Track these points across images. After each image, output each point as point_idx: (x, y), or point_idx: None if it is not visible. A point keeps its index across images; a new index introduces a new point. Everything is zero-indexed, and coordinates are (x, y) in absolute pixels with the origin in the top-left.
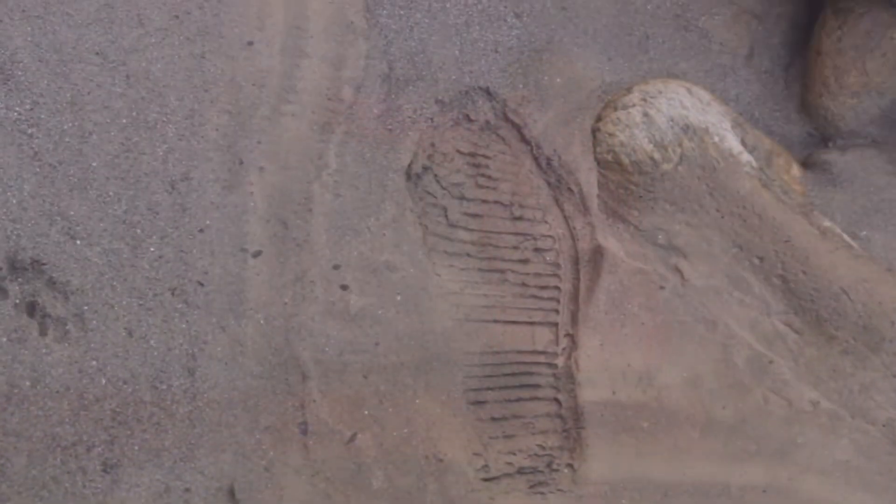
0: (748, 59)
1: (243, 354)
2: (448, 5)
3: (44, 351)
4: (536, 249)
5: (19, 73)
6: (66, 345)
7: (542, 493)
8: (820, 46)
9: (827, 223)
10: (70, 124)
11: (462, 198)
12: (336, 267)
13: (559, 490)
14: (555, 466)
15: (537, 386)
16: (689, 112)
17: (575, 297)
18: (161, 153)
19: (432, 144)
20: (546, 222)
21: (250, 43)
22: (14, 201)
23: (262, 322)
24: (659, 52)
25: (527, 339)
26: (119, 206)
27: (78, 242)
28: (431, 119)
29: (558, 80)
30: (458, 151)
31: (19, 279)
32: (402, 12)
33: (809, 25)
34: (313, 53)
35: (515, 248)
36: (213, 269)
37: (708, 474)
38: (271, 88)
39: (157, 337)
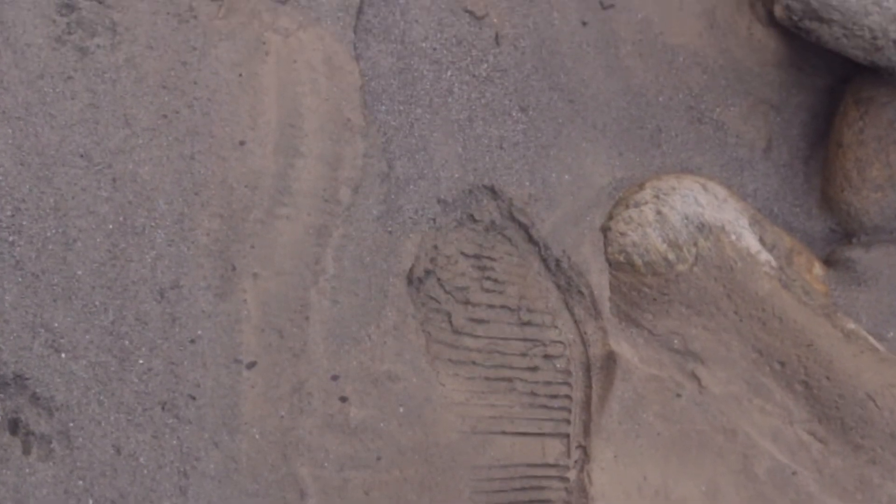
0: (766, 151)
1: (238, 471)
2: (450, 100)
3: (27, 471)
4: (546, 356)
5: (0, 177)
6: (51, 464)
7: None
8: (841, 138)
9: (851, 325)
10: (53, 231)
11: (467, 302)
12: (335, 378)
13: None
14: None
15: (548, 501)
16: (704, 209)
17: (587, 407)
18: (149, 260)
19: (435, 247)
20: (556, 327)
21: (242, 143)
22: None
23: (257, 437)
24: (672, 145)
25: (537, 452)
26: (106, 316)
27: (63, 355)
28: (434, 220)
29: (567, 176)
30: (463, 254)
31: (1, 395)
32: (401, 108)
33: (829, 116)
34: (308, 153)
35: (524, 354)
36: (206, 381)
37: None
38: (265, 190)
39: (146, 454)
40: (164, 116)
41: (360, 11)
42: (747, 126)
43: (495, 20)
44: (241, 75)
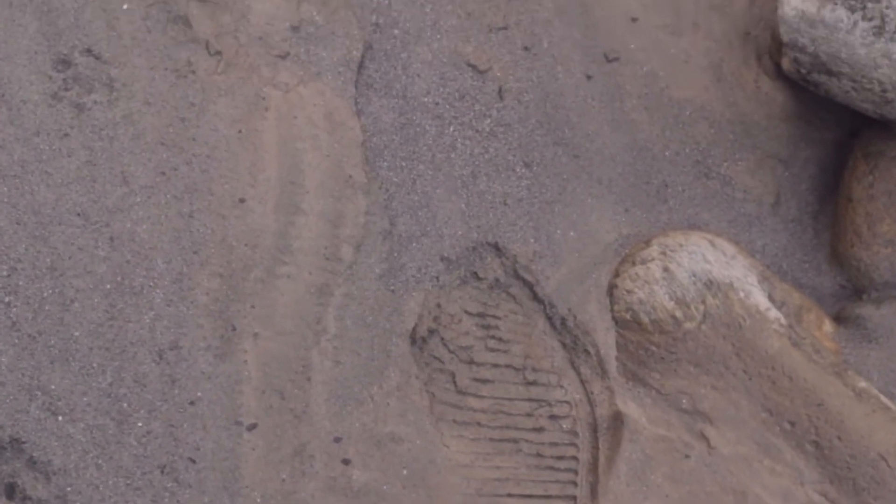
0: (774, 207)
1: None
2: (453, 156)
3: None
4: (552, 416)
5: None
6: None
7: None
8: (850, 193)
9: (863, 384)
10: (50, 291)
11: (471, 362)
12: (337, 440)
13: None
14: None
15: None
16: (712, 266)
17: (594, 468)
18: (148, 320)
19: (438, 305)
20: (562, 387)
21: (242, 200)
22: None
23: (258, 500)
24: (679, 201)
25: None
26: (103, 378)
27: (60, 418)
28: (437, 278)
29: (572, 233)
30: (466, 312)
31: None
32: (403, 164)
33: (839, 170)
34: (309, 210)
35: (529, 415)
36: (206, 444)
37: None
38: (265, 248)
39: None
40: (163, 174)
41: (361, 66)
42: (755, 181)
43: (498, 74)
44: (240, 131)
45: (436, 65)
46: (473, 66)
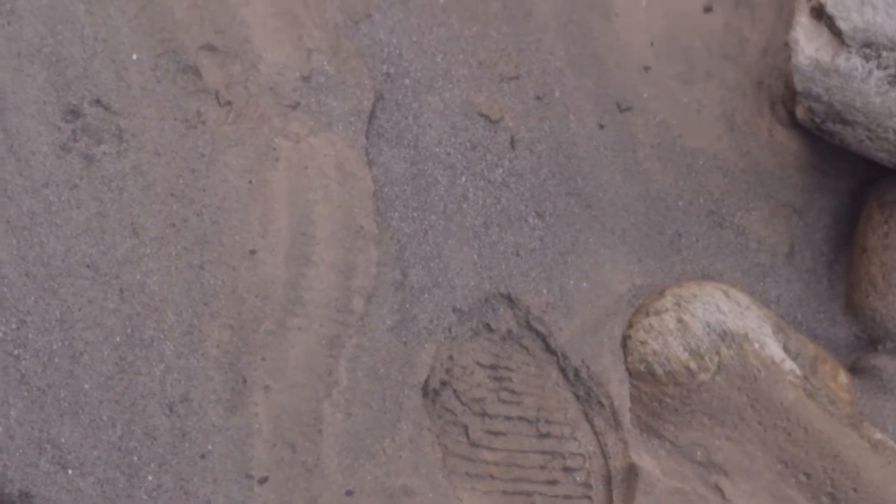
0: (789, 257)
1: None
2: (465, 206)
3: None
4: (565, 469)
5: (4, 289)
6: None
7: None
8: (865, 242)
9: (878, 435)
10: (59, 344)
11: (484, 414)
12: (349, 493)
13: None
14: None
15: None
16: (726, 317)
17: None
18: (158, 373)
19: (450, 357)
20: (575, 439)
21: (252, 252)
22: (0, 429)
23: None
24: (692, 251)
25: None
26: (114, 431)
27: (70, 472)
28: (449, 329)
29: (585, 284)
30: (479, 364)
31: None
32: (415, 214)
33: (853, 219)
34: (320, 261)
35: (542, 467)
36: (217, 497)
37: None
38: (276, 300)
39: None
40: (173, 225)
41: (372, 116)
42: (769, 231)
43: (510, 124)
44: (250, 182)
45: (447, 115)
46: (485, 116)
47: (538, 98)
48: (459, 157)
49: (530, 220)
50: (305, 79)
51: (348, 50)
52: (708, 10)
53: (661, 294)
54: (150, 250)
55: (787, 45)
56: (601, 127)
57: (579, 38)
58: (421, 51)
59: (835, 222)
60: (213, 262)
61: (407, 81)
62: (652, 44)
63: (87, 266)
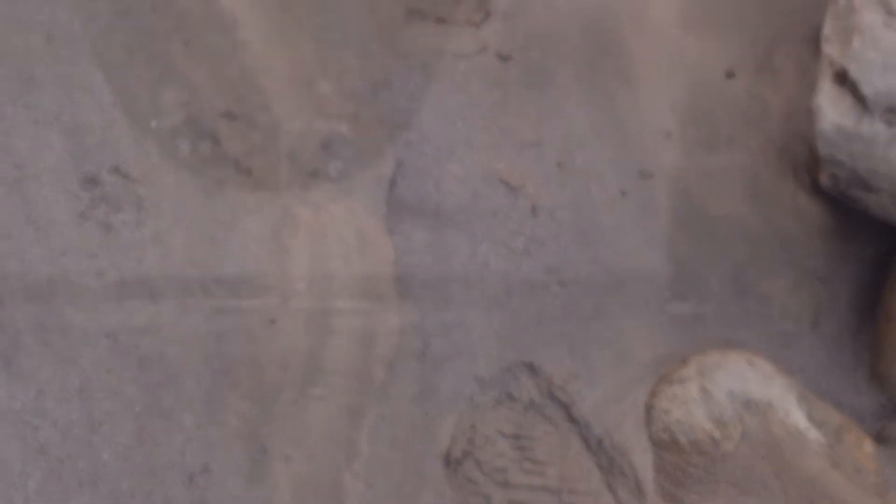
0: (813, 325)
1: None
2: (486, 273)
3: None
4: None
5: (23, 358)
6: None
7: None
8: (890, 311)
9: None
10: (78, 414)
11: (506, 484)
12: None
13: None
14: None
15: None
16: (750, 385)
17: None
18: (178, 443)
19: (472, 427)
20: None
21: (272, 321)
22: (19, 499)
23: None
24: (716, 319)
25: None
26: (133, 502)
27: None
28: (471, 399)
29: (608, 352)
30: (501, 434)
31: None
32: (436, 283)
33: (878, 288)
34: (341, 330)
35: None
36: None
37: None
38: (296, 369)
39: None
40: (192, 294)
41: (393, 183)
42: (793, 298)
43: (531, 191)
44: (270, 251)
45: (468, 181)
46: (506, 183)
47: (559, 165)
48: (480, 224)
49: (552, 289)
50: (325, 146)
51: (368, 117)
52: (730, 75)
53: (685, 363)
54: (169, 319)
55: (810, 110)
56: (623, 194)
57: (601, 104)
58: (442, 117)
59: (859, 290)
60: (232, 330)
61: (427, 148)
62: (673, 109)
63: (107, 335)
